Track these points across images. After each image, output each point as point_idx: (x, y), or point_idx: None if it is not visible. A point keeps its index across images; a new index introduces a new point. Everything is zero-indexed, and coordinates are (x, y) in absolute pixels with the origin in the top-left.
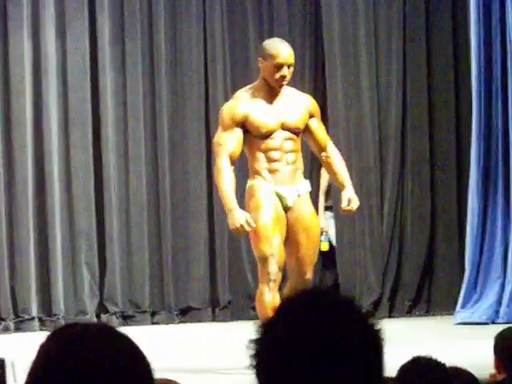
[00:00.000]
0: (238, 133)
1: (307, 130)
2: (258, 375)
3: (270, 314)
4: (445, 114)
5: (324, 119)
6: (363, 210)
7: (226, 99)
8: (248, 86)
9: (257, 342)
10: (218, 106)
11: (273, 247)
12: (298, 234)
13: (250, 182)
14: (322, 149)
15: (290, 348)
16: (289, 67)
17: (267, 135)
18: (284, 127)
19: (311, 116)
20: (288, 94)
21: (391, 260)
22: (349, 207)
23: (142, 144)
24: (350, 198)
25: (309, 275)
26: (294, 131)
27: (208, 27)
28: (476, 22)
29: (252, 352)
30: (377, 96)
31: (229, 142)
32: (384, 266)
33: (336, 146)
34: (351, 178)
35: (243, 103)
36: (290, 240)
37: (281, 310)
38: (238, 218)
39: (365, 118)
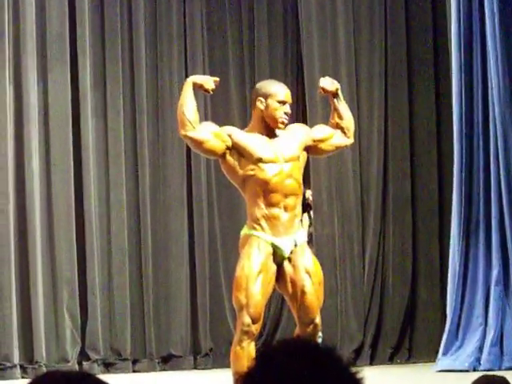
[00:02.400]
0: (216, 129)
1: (316, 145)
2: None
3: (239, 365)
4: (426, 161)
5: (306, 168)
6: (345, 257)
7: None
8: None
9: None
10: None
11: (249, 298)
12: (300, 281)
13: (247, 231)
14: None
15: None
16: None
17: (263, 162)
18: (283, 159)
19: (308, 135)
20: (281, 133)
21: (373, 307)
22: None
23: (124, 190)
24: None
25: (317, 321)
26: (294, 160)
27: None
28: (458, 68)
29: None
30: (358, 144)
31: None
32: (365, 314)
33: (317, 193)
34: (332, 224)
35: (235, 129)
36: (294, 289)
37: (261, 360)
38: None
39: (346, 166)
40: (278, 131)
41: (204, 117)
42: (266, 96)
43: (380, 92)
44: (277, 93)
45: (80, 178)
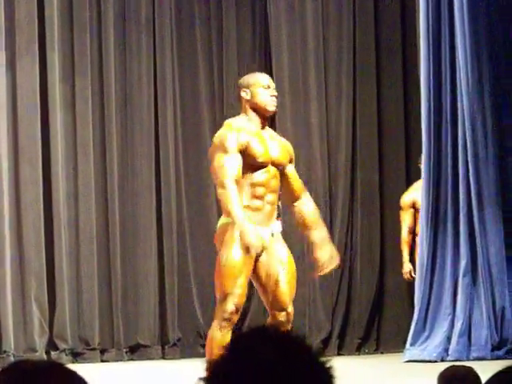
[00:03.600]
0: (240, 159)
1: (284, 174)
2: None
3: (216, 351)
4: (394, 150)
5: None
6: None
7: (176, 136)
8: (236, 117)
9: (207, 380)
10: (168, 143)
11: (235, 287)
12: (275, 272)
13: (229, 220)
14: (296, 198)
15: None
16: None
17: (260, 167)
18: (272, 162)
19: (290, 161)
20: (271, 132)
21: (340, 297)
22: (324, 269)
23: (92, 181)
24: (324, 260)
25: (289, 310)
26: (279, 167)
27: (158, 65)
28: (426, 59)
29: None
30: (326, 133)
31: (232, 167)
32: (333, 304)
33: None
34: None
35: (243, 132)
36: (268, 278)
37: (231, 348)
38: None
39: (314, 155)
40: (268, 129)
41: (173, 107)
42: (249, 85)
43: (348, 81)
44: (259, 79)
45: (48, 168)
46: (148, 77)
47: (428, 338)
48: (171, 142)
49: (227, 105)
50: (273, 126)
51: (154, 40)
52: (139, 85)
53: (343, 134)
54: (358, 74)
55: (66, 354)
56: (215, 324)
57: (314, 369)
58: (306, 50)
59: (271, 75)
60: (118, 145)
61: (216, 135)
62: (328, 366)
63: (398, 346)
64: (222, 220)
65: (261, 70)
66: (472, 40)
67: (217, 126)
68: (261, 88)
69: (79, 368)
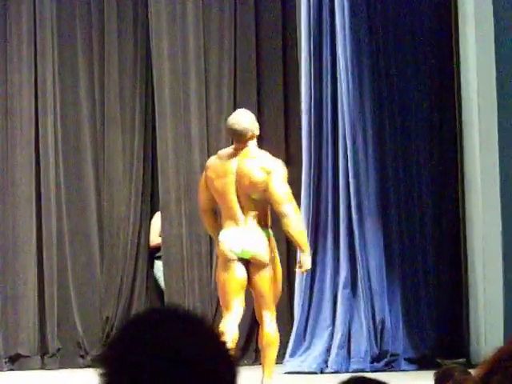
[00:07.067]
0: None
1: None
2: None
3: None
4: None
5: (154, 167)
6: (193, 257)
7: (56, 147)
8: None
9: (104, 361)
10: (48, 155)
11: None
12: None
13: (271, 233)
14: None
15: (138, 364)
16: None
17: None
18: None
19: None
20: None
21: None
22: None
23: None
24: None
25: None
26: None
27: (39, 76)
28: (307, 76)
29: (100, 372)
30: (207, 143)
31: None
32: (213, 315)
33: (167, 193)
34: (180, 225)
35: None
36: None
37: (127, 328)
38: None
39: (195, 166)
40: None
41: (53, 118)
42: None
43: (229, 93)
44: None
45: None
46: (29, 88)
47: (307, 349)
48: (51, 153)
49: (108, 115)
50: (153, 137)
51: (35, 51)
52: (20, 96)
53: (223, 144)
54: (238, 86)
55: None
56: (275, 326)
57: (215, 347)
58: (186, 61)
59: (152, 86)
60: None
61: (280, 164)
62: (227, 346)
63: (277, 357)
64: (269, 233)
65: (141, 80)
66: (352, 40)
67: (97, 137)
68: None
69: None
